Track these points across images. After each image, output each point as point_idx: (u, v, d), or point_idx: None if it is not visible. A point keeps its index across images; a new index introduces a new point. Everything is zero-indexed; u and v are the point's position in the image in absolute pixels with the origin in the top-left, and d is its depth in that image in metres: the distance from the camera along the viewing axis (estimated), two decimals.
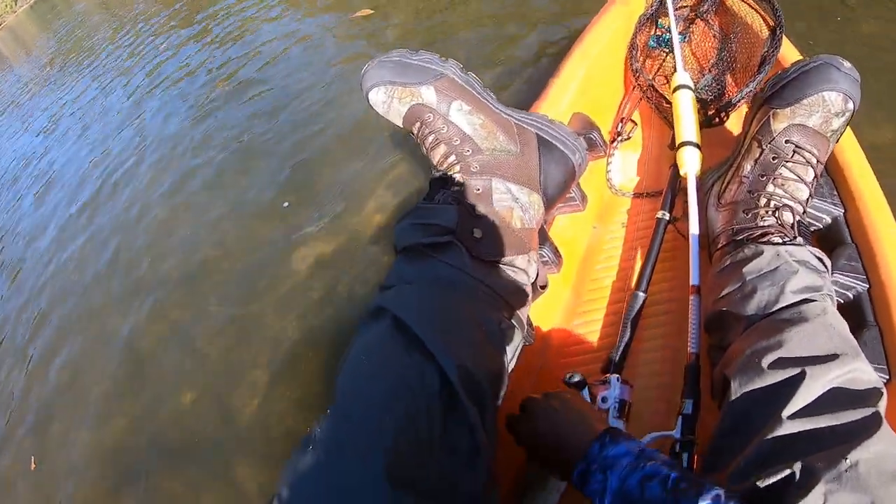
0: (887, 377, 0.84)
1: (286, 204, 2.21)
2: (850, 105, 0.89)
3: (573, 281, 1.22)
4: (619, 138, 1.37)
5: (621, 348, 0.99)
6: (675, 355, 1.03)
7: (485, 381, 0.74)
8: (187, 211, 2.50)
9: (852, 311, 0.92)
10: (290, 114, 2.71)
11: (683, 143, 1.13)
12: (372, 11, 3.16)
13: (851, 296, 0.94)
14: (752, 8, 1.37)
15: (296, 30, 3.54)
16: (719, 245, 0.98)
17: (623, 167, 1.39)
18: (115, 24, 7.45)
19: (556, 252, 1.09)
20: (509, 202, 0.92)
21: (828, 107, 0.90)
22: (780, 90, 0.93)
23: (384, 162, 2.15)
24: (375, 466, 0.61)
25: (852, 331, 0.85)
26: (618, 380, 0.93)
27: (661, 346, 1.07)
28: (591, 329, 1.14)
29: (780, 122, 0.93)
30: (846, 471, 0.57)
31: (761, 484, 0.61)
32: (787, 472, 0.59)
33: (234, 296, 1.97)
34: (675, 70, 1.28)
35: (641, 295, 1.03)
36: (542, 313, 1.12)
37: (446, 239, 0.85)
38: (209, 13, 4.87)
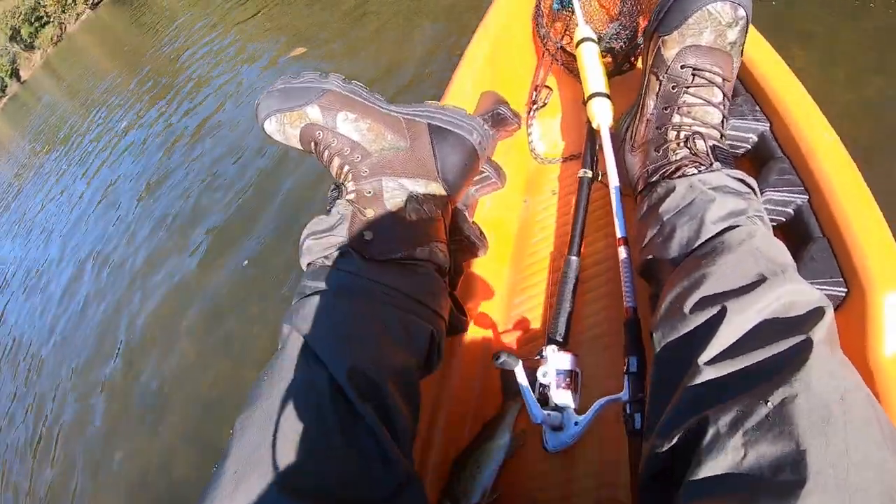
0: (845, 290, 0.76)
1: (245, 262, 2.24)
2: (741, 12, 0.83)
3: (510, 258, 1.17)
4: (535, 106, 1.33)
5: (561, 318, 0.94)
6: (617, 315, 0.97)
7: (385, 380, 0.70)
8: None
9: (795, 227, 0.85)
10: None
11: (592, 96, 1.09)
12: (304, 50, 3.29)
13: (791, 211, 0.87)
14: None
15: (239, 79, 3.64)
16: (639, 189, 0.92)
17: (544, 135, 1.34)
18: (84, 108, 7.75)
19: (479, 234, 1.04)
20: (402, 197, 0.89)
21: (716, 19, 0.84)
22: (665, 16, 0.87)
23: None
24: (273, 480, 0.58)
25: (798, 247, 0.80)
26: (555, 351, 0.88)
27: (602, 308, 1.00)
28: (534, 304, 1.09)
29: (671, 48, 0.87)
30: (768, 415, 0.49)
31: (677, 442, 0.55)
32: (698, 425, 0.53)
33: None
34: (578, 25, 1.23)
35: (574, 259, 0.98)
36: (482, 295, 1.08)
37: (340, 248, 0.83)
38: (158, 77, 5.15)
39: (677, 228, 0.77)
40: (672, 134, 0.87)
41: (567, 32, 1.36)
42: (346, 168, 0.91)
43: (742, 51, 0.88)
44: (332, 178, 0.96)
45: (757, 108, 0.98)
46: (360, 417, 0.65)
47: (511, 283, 1.14)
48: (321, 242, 0.83)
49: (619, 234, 0.91)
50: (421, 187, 0.90)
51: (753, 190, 0.80)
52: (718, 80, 0.86)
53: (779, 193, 0.87)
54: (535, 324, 1.06)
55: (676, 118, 0.87)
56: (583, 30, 1.18)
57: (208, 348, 2.05)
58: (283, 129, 0.93)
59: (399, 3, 3.30)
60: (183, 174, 3.19)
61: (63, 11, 35.57)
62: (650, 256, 0.81)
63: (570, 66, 1.31)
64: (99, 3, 33.51)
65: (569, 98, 1.35)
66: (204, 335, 2.12)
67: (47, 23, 37.49)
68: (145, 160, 4.01)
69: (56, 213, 4.75)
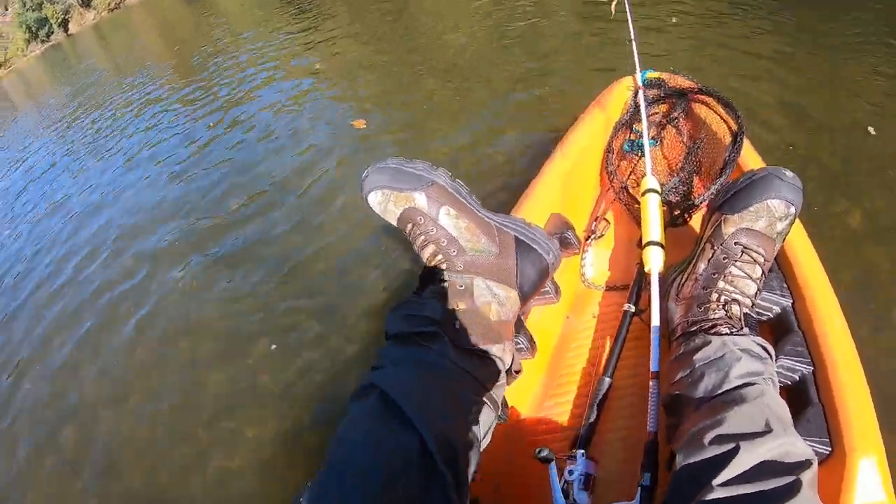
0: (829, 449, 1.00)
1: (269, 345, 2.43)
2: (792, 210, 1.10)
3: (547, 366, 1.39)
4: (593, 236, 1.59)
5: (588, 427, 1.16)
6: (636, 434, 1.19)
7: (460, 450, 0.90)
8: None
9: (798, 392, 1.09)
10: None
11: (649, 243, 1.33)
12: (365, 124, 3.58)
13: (797, 377, 1.11)
14: (718, 114, 1.62)
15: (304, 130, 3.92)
16: (677, 335, 1.16)
17: (595, 262, 1.59)
18: (119, 86, 8.09)
19: (530, 340, 1.26)
20: (488, 298, 1.11)
21: (772, 212, 1.10)
22: (731, 198, 1.15)
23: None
24: None
25: (798, 409, 1.03)
26: (583, 455, 1.09)
27: (624, 426, 1.23)
28: (562, 410, 1.31)
29: (730, 226, 1.13)
30: None
31: None
32: None
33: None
34: (645, 174, 1.49)
35: (607, 380, 1.21)
36: (518, 395, 1.29)
37: (432, 329, 1.03)
38: (210, 86, 5.44)
39: (706, 375, 1.00)
40: (714, 296, 1.12)
41: (632, 174, 1.64)
42: (440, 258, 1.13)
43: (784, 239, 1.13)
44: (414, 255, 1.17)
45: (785, 284, 1.24)
46: (440, 478, 0.84)
47: (544, 388, 1.36)
48: (414, 321, 1.05)
49: (652, 368, 1.14)
50: (503, 292, 1.13)
51: (771, 356, 1.04)
52: (761, 259, 1.12)
53: (790, 360, 1.12)
54: (560, 428, 1.28)
55: (721, 284, 1.12)
56: (650, 181, 1.44)
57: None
58: (386, 204, 1.14)
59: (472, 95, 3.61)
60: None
61: None
62: (677, 392, 1.04)
63: (629, 206, 1.58)
64: None
65: (623, 235, 1.61)
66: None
67: None
68: (164, 165, 4.28)
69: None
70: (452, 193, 1.15)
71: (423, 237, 1.13)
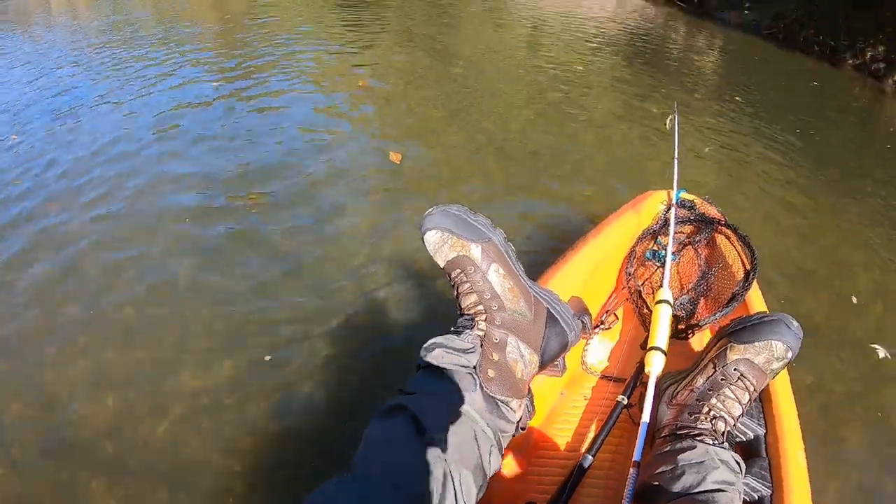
0: None
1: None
2: (790, 354, 1.29)
3: (535, 433, 1.52)
4: (601, 326, 1.75)
5: (565, 498, 1.29)
6: None
7: (475, 488, 1.06)
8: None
9: None
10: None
11: (654, 348, 1.50)
12: (400, 159, 3.70)
13: (757, 497, 1.26)
14: (736, 249, 1.81)
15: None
16: (663, 434, 1.31)
17: (597, 351, 1.75)
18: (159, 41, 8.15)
19: (532, 403, 1.40)
20: (516, 355, 1.25)
21: (772, 351, 1.28)
22: (741, 330, 1.33)
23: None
24: None
25: None
26: None
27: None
28: (543, 475, 1.43)
29: (735, 354, 1.31)
30: None
31: None
32: None
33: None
34: (661, 284, 1.67)
35: (590, 458, 1.35)
36: (507, 452, 1.42)
37: (467, 371, 1.18)
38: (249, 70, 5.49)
39: (686, 474, 1.15)
40: (706, 409, 1.28)
41: (648, 281, 1.80)
42: (481, 308, 1.26)
43: (775, 376, 1.31)
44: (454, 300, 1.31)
45: (762, 415, 1.40)
46: (454, 499, 0.99)
47: (530, 452, 1.49)
48: (452, 358, 1.18)
49: (635, 458, 1.28)
50: (528, 354, 1.27)
51: (742, 472, 1.20)
52: (752, 388, 1.30)
53: (754, 481, 1.28)
54: (542, 491, 1.41)
55: (714, 400, 1.29)
56: (665, 293, 1.61)
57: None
58: (442, 245, 1.26)
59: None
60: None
61: None
62: (656, 483, 1.19)
63: (639, 309, 1.74)
64: None
65: (626, 332, 1.78)
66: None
67: None
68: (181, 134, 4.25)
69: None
70: (503, 254, 1.29)
71: (468, 285, 1.26)
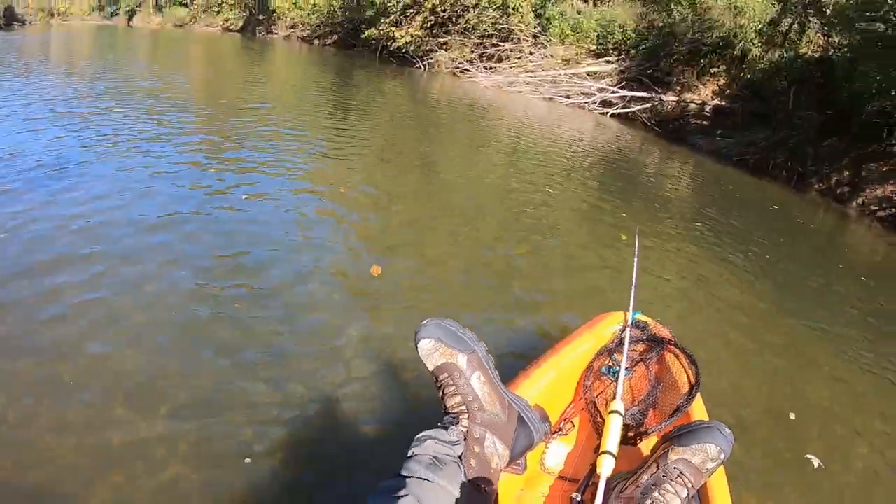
0: None
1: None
2: (723, 456, 1.54)
3: None
4: (560, 432, 1.98)
5: None
6: None
7: None
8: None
9: None
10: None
11: (605, 452, 1.73)
12: (381, 270, 3.90)
13: None
14: (683, 366, 2.07)
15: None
16: None
17: (555, 454, 1.98)
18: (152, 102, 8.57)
19: (496, 499, 1.62)
20: (492, 450, 1.53)
21: (707, 453, 1.54)
22: (681, 435, 1.59)
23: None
24: None
25: None
26: None
27: None
28: None
29: (675, 455, 1.56)
30: None
31: None
32: None
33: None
34: (614, 396, 1.92)
35: None
36: None
37: (454, 460, 1.42)
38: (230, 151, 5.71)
39: None
40: (648, 502, 1.50)
41: (602, 393, 2.05)
42: (464, 408, 1.53)
43: (710, 475, 1.55)
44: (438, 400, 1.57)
45: None
46: None
47: None
48: (442, 448, 1.42)
49: None
50: (501, 449, 1.54)
51: None
52: (690, 485, 1.54)
53: None
54: None
55: (656, 494, 1.52)
56: (618, 404, 1.86)
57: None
58: (433, 353, 1.55)
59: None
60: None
61: (205, 10, 40.73)
62: None
63: (594, 418, 1.98)
64: (232, 29, 37.77)
65: (582, 438, 2.02)
66: None
67: (184, 5, 42.88)
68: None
69: None
70: (485, 364, 1.59)
71: (453, 388, 1.54)
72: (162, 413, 2.49)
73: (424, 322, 1.57)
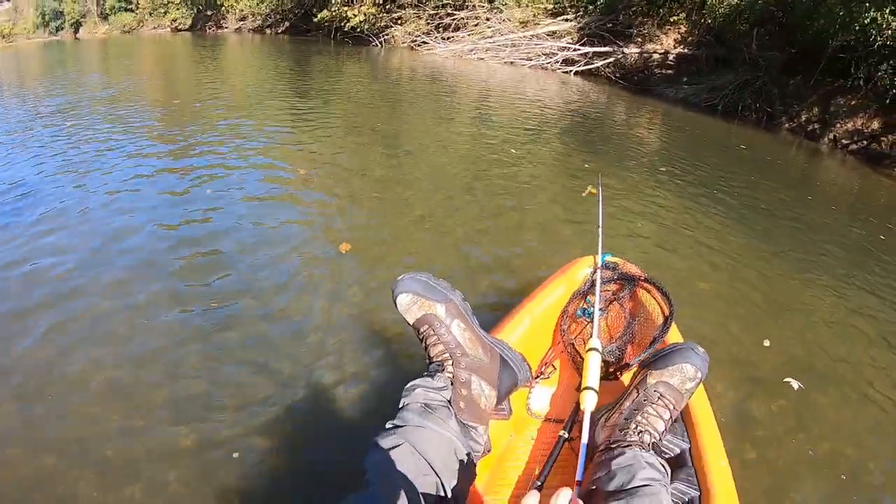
0: None
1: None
2: (699, 375, 1.62)
3: (489, 471, 1.79)
4: (542, 376, 2.05)
5: None
6: None
7: (458, 489, 1.37)
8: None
9: None
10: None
11: (587, 388, 1.79)
12: (350, 247, 3.95)
13: (687, 499, 1.53)
14: (656, 300, 2.13)
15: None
16: (599, 449, 1.60)
17: (539, 397, 2.05)
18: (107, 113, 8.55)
19: (489, 440, 1.67)
20: (479, 391, 1.60)
21: (685, 373, 1.61)
22: (657, 359, 1.67)
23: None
24: None
25: None
26: None
27: None
28: None
29: (653, 378, 1.64)
30: None
31: None
32: None
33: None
34: (591, 335, 1.97)
35: (536, 493, 1.61)
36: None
37: (445, 404, 1.50)
38: (190, 152, 5.65)
39: (618, 475, 1.43)
40: (633, 426, 1.59)
41: (580, 335, 2.11)
42: (447, 355, 1.60)
43: (691, 395, 1.61)
44: (422, 352, 1.64)
45: (686, 432, 1.69)
46: None
47: (485, 488, 1.75)
48: (431, 395, 1.50)
49: (577, 478, 1.55)
50: (488, 390, 1.61)
51: (667, 472, 1.49)
52: (671, 406, 1.61)
53: (683, 485, 1.56)
54: None
55: (639, 418, 1.59)
56: (594, 342, 1.92)
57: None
58: (412, 306, 1.61)
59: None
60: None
61: (151, 13, 40.11)
62: (594, 488, 1.46)
63: (574, 359, 2.04)
64: (181, 29, 37.38)
65: (564, 380, 2.08)
66: None
67: (129, 10, 42.18)
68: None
69: None
70: (462, 311, 1.66)
71: (435, 337, 1.61)
72: (146, 411, 2.52)
73: (400, 278, 1.62)
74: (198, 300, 3.30)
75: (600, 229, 2.42)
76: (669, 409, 1.61)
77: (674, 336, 2.02)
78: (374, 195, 5.06)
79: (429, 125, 8.28)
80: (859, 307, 3.68)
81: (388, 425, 1.43)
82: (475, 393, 1.58)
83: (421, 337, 1.65)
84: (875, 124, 9.72)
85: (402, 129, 7.90)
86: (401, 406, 1.49)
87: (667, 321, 2.03)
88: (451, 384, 1.56)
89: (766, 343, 3.12)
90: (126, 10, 47.26)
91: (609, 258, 2.34)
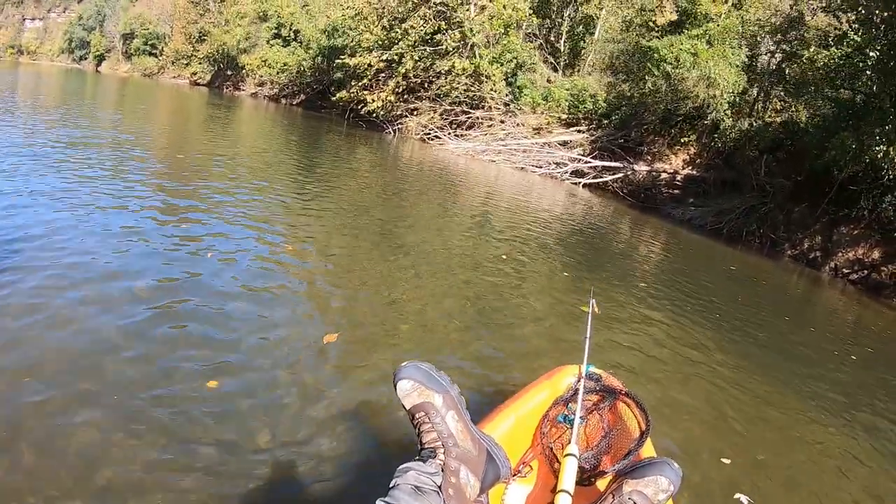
0: None
1: None
2: (672, 488, 1.81)
3: None
4: (519, 474, 2.20)
5: None
6: None
7: None
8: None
9: None
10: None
11: (562, 490, 1.95)
12: (336, 335, 4.06)
13: None
14: (634, 413, 2.31)
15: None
16: None
17: (515, 494, 2.20)
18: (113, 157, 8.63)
19: None
20: (466, 480, 1.76)
21: (658, 485, 1.81)
22: (634, 469, 1.88)
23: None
24: None
25: None
26: None
27: None
28: None
29: (629, 486, 1.84)
30: None
31: None
32: None
33: None
34: (570, 442, 2.15)
35: None
36: None
37: (435, 490, 1.65)
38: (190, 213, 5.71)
39: None
40: None
41: (559, 440, 2.28)
42: (440, 444, 1.76)
43: None
44: (415, 437, 1.80)
45: None
46: None
47: None
48: (424, 479, 1.65)
49: None
50: (473, 481, 1.78)
51: None
52: None
53: None
54: None
55: None
56: (573, 447, 2.10)
57: None
58: (412, 392, 1.78)
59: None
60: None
61: (174, 62, 42.45)
62: None
63: (551, 462, 2.21)
64: (199, 83, 39.83)
65: (540, 480, 2.25)
66: None
67: (153, 55, 43.19)
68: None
69: None
70: (458, 404, 1.84)
71: (429, 425, 1.78)
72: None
73: (403, 364, 1.81)
74: (186, 378, 3.30)
75: (588, 340, 2.62)
76: None
77: (648, 450, 2.20)
78: (367, 285, 5.22)
79: (431, 221, 8.58)
80: (827, 432, 3.97)
81: (378, 502, 1.57)
82: (463, 482, 1.73)
83: (415, 423, 1.81)
84: (876, 254, 10.10)
85: (403, 222, 8.20)
86: (392, 486, 1.64)
87: (643, 435, 2.21)
88: (442, 471, 1.71)
89: (727, 461, 3.37)
90: (150, 54, 49.18)
91: (593, 369, 2.53)
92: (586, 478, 2.15)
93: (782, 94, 14.68)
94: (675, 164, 15.05)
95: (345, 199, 8.99)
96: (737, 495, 3.05)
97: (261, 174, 9.93)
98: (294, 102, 32.51)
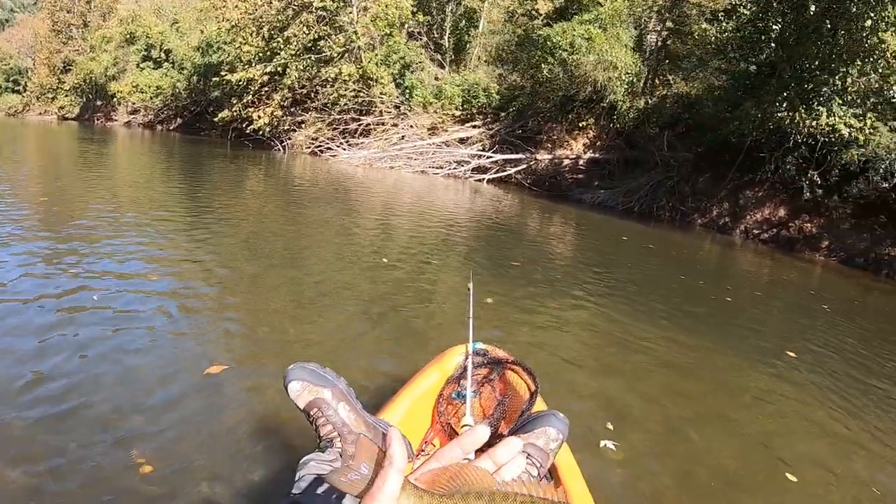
0: None
1: None
2: (561, 436, 2.07)
3: None
4: (423, 453, 2.44)
5: None
6: None
7: None
8: None
9: None
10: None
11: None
12: (226, 366, 3.90)
13: None
14: (522, 379, 2.58)
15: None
16: None
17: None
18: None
19: None
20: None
21: (548, 435, 2.05)
22: (524, 425, 2.12)
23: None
24: None
25: None
26: None
27: None
28: None
29: (522, 441, 2.05)
30: None
31: None
32: None
33: None
34: (465, 414, 2.40)
35: None
36: None
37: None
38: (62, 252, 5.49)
39: None
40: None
41: (455, 415, 2.53)
42: (336, 433, 1.94)
43: (556, 454, 2.07)
44: (313, 433, 1.97)
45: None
46: None
47: None
48: (324, 467, 1.83)
49: None
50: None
51: None
52: (538, 465, 2.02)
53: None
54: None
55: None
56: (468, 419, 2.36)
57: None
58: (302, 392, 1.96)
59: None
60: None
61: (39, 97, 43.98)
62: None
63: (451, 436, 2.46)
64: (68, 117, 38.52)
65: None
66: None
67: (16, 91, 45.37)
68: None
69: None
70: (346, 395, 2.03)
71: (324, 418, 1.96)
72: None
73: (290, 367, 1.99)
74: (65, 431, 3.05)
75: (471, 320, 2.90)
76: (537, 468, 1.99)
77: (540, 407, 2.47)
78: (264, 310, 5.22)
79: (326, 239, 8.62)
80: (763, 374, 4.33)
81: (286, 495, 1.77)
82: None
83: (311, 419, 1.99)
84: (782, 212, 10.91)
85: (298, 243, 8.18)
86: (297, 479, 1.82)
87: (533, 396, 2.49)
88: (341, 456, 1.89)
89: (609, 426, 3.61)
90: (13, 91, 47.39)
91: (480, 346, 2.79)
92: (486, 445, 2.40)
93: (667, 70, 15.50)
94: (577, 148, 15.57)
95: (233, 227, 8.90)
96: (603, 442, 3.32)
97: (142, 209, 9.50)
98: (171, 127, 32.07)
